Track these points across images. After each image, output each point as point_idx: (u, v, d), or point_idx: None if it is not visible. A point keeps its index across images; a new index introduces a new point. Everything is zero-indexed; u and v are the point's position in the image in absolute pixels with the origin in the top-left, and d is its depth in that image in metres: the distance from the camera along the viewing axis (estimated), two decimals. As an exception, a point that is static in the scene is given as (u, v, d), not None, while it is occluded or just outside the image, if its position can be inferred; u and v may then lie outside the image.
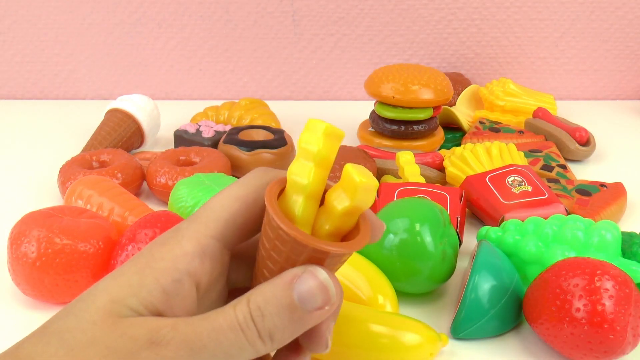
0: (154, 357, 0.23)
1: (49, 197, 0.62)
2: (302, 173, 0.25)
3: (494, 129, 0.73)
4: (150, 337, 0.24)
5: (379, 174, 0.62)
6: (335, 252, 0.25)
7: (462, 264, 0.48)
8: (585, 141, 0.71)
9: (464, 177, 0.58)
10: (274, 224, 0.25)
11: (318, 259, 0.25)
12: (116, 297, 0.24)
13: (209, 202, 0.28)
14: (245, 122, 0.75)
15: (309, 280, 0.25)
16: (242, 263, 0.30)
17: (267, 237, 0.26)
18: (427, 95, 0.64)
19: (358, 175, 0.24)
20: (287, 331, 0.25)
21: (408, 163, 0.58)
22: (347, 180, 0.25)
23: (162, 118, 0.76)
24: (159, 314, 0.25)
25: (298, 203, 0.26)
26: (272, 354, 0.28)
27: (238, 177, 0.59)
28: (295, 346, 0.28)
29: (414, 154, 0.60)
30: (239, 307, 0.25)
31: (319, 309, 0.25)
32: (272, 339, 0.25)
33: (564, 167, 0.64)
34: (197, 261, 0.26)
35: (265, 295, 0.25)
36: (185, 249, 0.26)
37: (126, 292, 0.24)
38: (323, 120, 0.25)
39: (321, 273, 0.25)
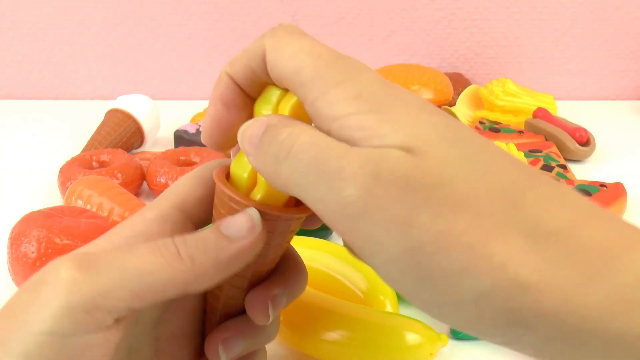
0: (55, 275, 0.23)
1: (49, 197, 0.62)
2: None
3: (494, 129, 0.73)
4: (57, 260, 0.24)
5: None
6: (265, 211, 0.26)
7: (462, 264, 0.48)
8: (585, 141, 0.71)
9: (464, 177, 0.58)
10: (217, 188, 0.27)
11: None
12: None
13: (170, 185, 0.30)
14: (245, 122, 0.75)
15: (236, 216, 0.26)
16: None
17: (214, 207, 0.28)
18: (427, 95, 0.64)
19: None
20: (209, 256, 0.25)
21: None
22: None
23: (162, 118, 0.76)
24: None
25: (248, 167, 0.26)
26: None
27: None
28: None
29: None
30: (162, 239, 0.25)
31: (243, 239, 0.25)
32: (193, 261, 0.24)
33: (564, 167, 0.64)
34: (156, 225, 0.27)
35: (191, 234, 0.25)
36: (145, 216, 0.27)
37: (79, 258, 0.24)
38: (279, 87, 0.26)
39: (249, 209, 0.26)
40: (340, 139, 0.21)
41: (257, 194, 0.26)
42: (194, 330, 0.31)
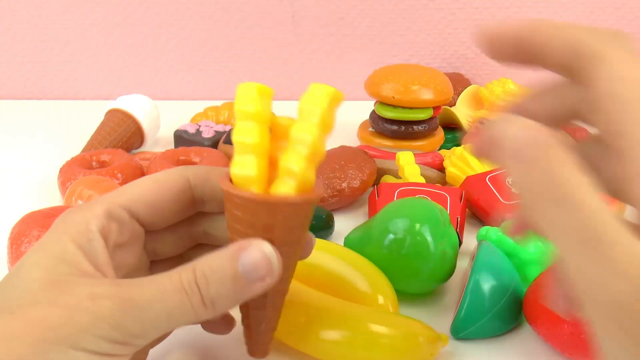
0: (98, 308, 0.25)
1: (49, 197, 0.62)
2: (247, 133, 0.27)
3: (494, 129, 0.72)
4: (92, 291, 0.25)
5: (379, 174, 0.62)
6: (283, 200, 0.27)
7: (462, 264, 0.48)
8: (585, 141, 0.71)
9: (464, 177, 0.58)
10: (227, 194, 0.28)
11: (272, 213, 0.27)
12: (48, 267, 0.26)
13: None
14: (245, 122, 0.75)
15: (254, 252, 0.27)
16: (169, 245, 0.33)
17: (228, 212, 0.28)
18: (427, 95, 0.64)
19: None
20: (229, 299, 0.27)
21: (408, 163, 0.58)
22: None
23: (162, 118, 0.76)
24: (91, 275, 0.27)
25: (252, 162, 0.27)
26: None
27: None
28: None
29: (414, 154, 0.60)
30: (185, 273, 0.27)
31: (260, 281, 0.27)
32: (214, 305, 0.27)
33: (564, 167, 0.64)
34: (104, 220, 0.28)
35: (211, 264, 0.27)
36: (95, 212, 0.28)
37: (55, 261, 0.26)
38: (253, 82, 0.28)
39: (266, 246, 0.27)
40: None
41: (286, 186, 0.27)
42: None
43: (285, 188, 0.27)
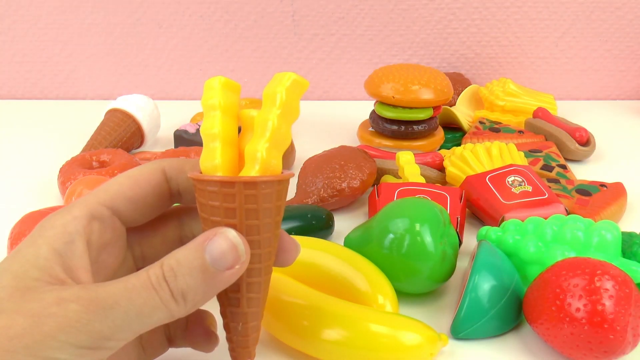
0: (63, 312, 0.24)
1: (49, 197, 0.62)
2: (212, 124, 0.28)
3: (494, 129, 0.73)
4: (59, 296, 0.25)
5: (379, 174, 0.62)
6: (263, 180, 0.27)
7: (462, 264, 0.48)
8: (585, 141, 0.71)
9: (464, 177, 0.58)
10: (194, 183, 0.28)
11: (231, 196, 0.27)
12: (18, 273, 0.25)
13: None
14: (245, 122, 0.75)
15: (220, 240, 0.27)
16: (151, 242, 0.32)
17: (197, 203, 0.29)
18: (427, 95, 0.64)
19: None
20: (199, 291, 0.26)
21: (408, 163, 0.58)
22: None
23: (162, 118, 0.76)
24: (61, 280, 0.26)
25: (216, 150, 0.28)
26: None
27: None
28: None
29: (414, 154, 0.60)
30: (153, 269, 0.26)
31: (229, 269, 0.27)
32: (185, 299, 0.26)
33: (564, 167, 0.64)
34: (85, 221, 0.28)
35: (177, 258, 0.26)
36: (74, 214, 0.28)
37: (26, 266, 0.26)
38: (218, 76, 0.28)
39: (231, 233, 0.27)
40: None
41: (251, 172, 0.28)
42: None
43: (250, 173, 0.28)
